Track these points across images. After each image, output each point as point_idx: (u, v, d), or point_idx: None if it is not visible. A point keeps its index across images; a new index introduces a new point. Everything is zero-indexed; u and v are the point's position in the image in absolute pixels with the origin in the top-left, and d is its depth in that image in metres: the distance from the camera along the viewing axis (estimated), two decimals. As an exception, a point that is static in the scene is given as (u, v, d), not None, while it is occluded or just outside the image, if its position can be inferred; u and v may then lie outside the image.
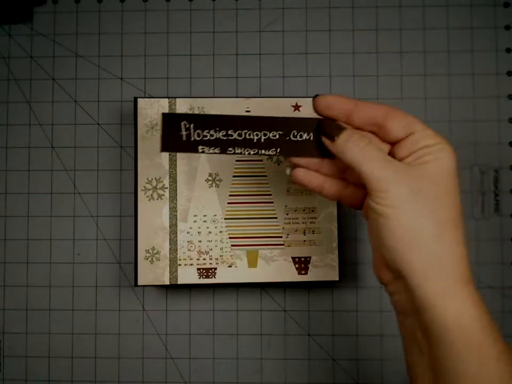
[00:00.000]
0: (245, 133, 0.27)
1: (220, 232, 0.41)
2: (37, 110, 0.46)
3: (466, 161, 0.45)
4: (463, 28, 0.46)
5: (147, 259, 0.40)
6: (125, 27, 0.47)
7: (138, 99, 0.41)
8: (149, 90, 0.46)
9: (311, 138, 0.28)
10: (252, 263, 0.40)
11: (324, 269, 0.41)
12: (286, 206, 0.41)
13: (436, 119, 0.46)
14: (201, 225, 0.41)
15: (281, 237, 0.41)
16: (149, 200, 0.40)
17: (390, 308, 0.45)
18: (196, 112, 0.41)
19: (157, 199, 0.40)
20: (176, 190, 0.41)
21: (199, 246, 0.41)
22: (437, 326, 0.24)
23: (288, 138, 0.28)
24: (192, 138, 0.27)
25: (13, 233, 0.46)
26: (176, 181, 0.41)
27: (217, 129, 0.27)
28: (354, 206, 0.30)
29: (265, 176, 0.41)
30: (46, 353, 0.45)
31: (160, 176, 0.41)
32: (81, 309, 0.45)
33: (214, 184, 0.41)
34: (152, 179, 0.41)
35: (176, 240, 0.40)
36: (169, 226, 0.40)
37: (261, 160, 0.41)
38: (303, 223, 0.41)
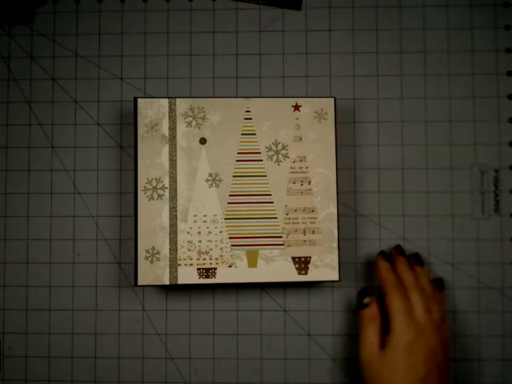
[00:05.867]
0: None
1: (220, 232, 0.41)
2: (37, 110, 0.46)
3: (466, 161, 0.45)
4: (463, 28, 0.46)
5: (147, 259, 0.40)
6: (125, 27, 0.47)
7: (138, 99, 0.41)
8: (149, 90, 0.46)
9: None
10: (252, 263, 0.40)
11: (324, 269, 0.41)
12: (286, 206, 0.41)
13: (436, 119, 0.46)
14: (201, 225, 0.41)
15: (281, 237, 0.41)
16: (149, 200, 0.40)
17: (390, 308, 0.44)
18: (196, 111, 0.41)
19: (157, 199, 0.40)
20: (176, 190, 0.41)
21: (199, 246, 0.41)
22: None
23: None
24: None
25: (13, 233, 0.46)
26: (176, 181, 0.41)
27: None
28: None
29: (265, 176, 0.41)
30: (46, 353, 0.45)
31: (160, 176, 0.41)
32: (81, 309, 0.45)
33: (214, 184, 0.41)
34: (152, 179, 0.41)
35: (176, 240, 0.40)
36: (169, 226, 0.40)
37: (261, 160, 0.41)
38: (303, 223, 0.41)
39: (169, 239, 0.40)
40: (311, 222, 0.41)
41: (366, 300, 0.41)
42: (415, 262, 0.43)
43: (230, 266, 0.40)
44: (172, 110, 0.41)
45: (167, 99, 0.41)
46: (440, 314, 0.40)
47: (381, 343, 0.39)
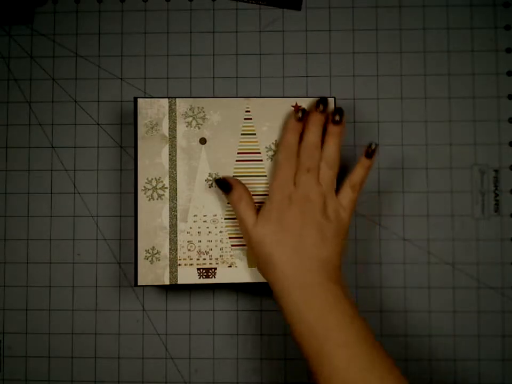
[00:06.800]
0: None
1: (220, 232, 0.41)
2: (37, 110, 0.46)
3: (466, 161, 0.45)
4: (463, 28, 0.46)
5: (147, 259, 0.40)
6: (125, 27, 0.47)
7: (138, 99, 0.41)
8: (149, 90, 0.46)
9: None
10: (252, 263, 0.40)
11: (324, 269, 0.41)
12: (286, 206, 0.41)
13: (436, 119, 0.46)
14: (201, 225, 0.41)
15: (281, 237, 0.41)
16: (149, 200, 0.40)
17: (390, 308, 0.45)
18: (196, 111, 0.41)
19: (157, 199, 0.40)
20: (176, 190, 0.41)
21: (199, 246, 0.40)
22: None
23: None
24: None
25: (13, 233, 0.46)
26: (176, 181, 0.41)
27: None
28: None
29: (265, 176, 0.41)
30: (46, 353, 0.45)
31: (160, 176, 0.41)
32: (81, 309, 0.45)
33: (214, 184, 0.41)
34: (152, 179, 0.40)
35: (176, 240, 0.40)
36: (169, 226, 0.40)
37: (261, 160, 0.41)
38: (303, 223, 0.41)
39: (169, 239, 0.40)
40: (311, 222, 0.41)
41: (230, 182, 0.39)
42: (331, 119, 0.39)
43: (230, 266, 0.40)
44: (172, 110, 0.41)
45: (167, 99, 0.41)
46: (331, 174, 0.38)
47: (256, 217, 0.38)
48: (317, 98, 0.39)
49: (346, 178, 0.39)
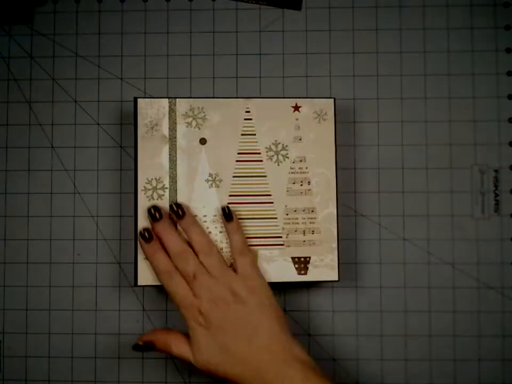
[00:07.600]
0: None
1: (219, 232, 0.41)
2: (37, 110, 0.46)
3: (466, 161, 0.45)
4: (463, 27, 0.46)
5: (147, 259, 0.40)
6: (125, 27, 0.47)
7: (138, 99, 0.41)
8: (149, 90, 0.46)
9: None
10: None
11: (324, 269, 0.41)
12: (286, 206, 0.41)
13: (436, 119, 0.46)
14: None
15: (281, 237, 0.41)
16: (149, 200, 0.40)
17: (390, 308, 0.45)
18: (196, 112, 0.41)
19: (157, 199, 0.40)
20: (176, 190, 0.41)
21: (199, 246, 0.40)
22: None
23: None
24: None
25: (13, 233, 0.46)
26: (176, 181, 0.41)
27: None
28: None
29: (265, 176, 0.41)
30: (46, 353, 0.45)
31: (160, 176, 0.41)
32: (81, 309, 0.45)
33: (214, 184, 0.41)
34: (152, 179, 0.40)
35: (176, 240, 0.40)
36: (169, 226, 0.40)
37: (261, 161, 0.41)
38: (302, 223, 0.41)
39: (169, 239, 0.40)
40: (310, 222, 0.41)
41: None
42: (175, 218, 0.39)
43: (230, 266, 0.40)
44: (172, 110, 0.41)
45: (167, 99, 0.41)
46: (218, 264, 0.38)
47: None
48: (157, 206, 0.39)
49: (231, 252, 0.39)
